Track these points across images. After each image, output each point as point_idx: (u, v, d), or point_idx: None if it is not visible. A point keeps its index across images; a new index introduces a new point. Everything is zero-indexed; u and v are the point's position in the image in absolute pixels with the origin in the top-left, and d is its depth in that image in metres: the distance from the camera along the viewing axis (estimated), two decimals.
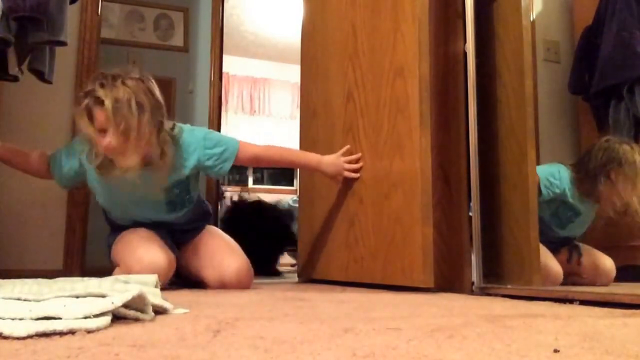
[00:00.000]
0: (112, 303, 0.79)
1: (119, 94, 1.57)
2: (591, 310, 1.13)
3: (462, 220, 1.65)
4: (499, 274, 1.67)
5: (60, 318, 0.73)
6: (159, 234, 1.82)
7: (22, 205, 1.83)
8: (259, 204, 3.46)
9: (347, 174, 1.93)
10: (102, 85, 1.60)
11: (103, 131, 1.60)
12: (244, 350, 0.63)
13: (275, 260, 3.32)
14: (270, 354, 0.60)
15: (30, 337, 0.68)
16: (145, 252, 1.69)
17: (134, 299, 0.84)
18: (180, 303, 1.12)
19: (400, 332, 0.77)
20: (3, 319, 0.72)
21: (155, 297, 0.99)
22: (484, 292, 1.55)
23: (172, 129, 1.75)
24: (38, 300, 0.81)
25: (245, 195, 4.09)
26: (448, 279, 1.65)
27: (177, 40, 3.63)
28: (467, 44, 1.68)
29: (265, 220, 3.26)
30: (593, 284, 1.90)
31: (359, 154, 1.93)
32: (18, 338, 0.67)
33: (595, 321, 0.92)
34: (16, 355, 0.58)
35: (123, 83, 1.60)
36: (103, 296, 0.83)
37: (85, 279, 1.24)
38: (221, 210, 3.69)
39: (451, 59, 1.73)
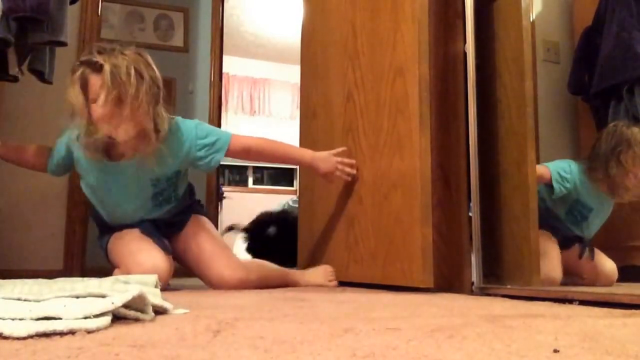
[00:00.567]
0: (112, 303, 0.80)
1: (118, 61, 1.54)
2: (591, 310, 1.13)
3: (462, 220, 1.65)
4: (499, 274, 1.67)
5: (60, 318, 0.74)
6: (149, 232, 1.77)
7: (22, 205, 1.83)
8: (285, 214, 3.48)
9: (339, 173, 1.90)
10: (100, 52, 1.56)
11: (96, 101, 1.55)
12: (244, 350, 0.63)
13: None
14: (270, 354, 0.60)
15: (30, 337, 0.68)
16: (147, 255, 1.67)
17: (134, 299, 0.84)
18: (180, 303, 1.12)
19: (400, 332, 0.77)
20: (3, 319, 0.72)
21: (155, 297, 0.99)
22: (483, 292, 1.55)
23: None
24: (38, 301, 0.81)
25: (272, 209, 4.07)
26: (448, 279, 1.65)
27: (177, 40, 3.63)
28: (467, 44, 1.68)
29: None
30: (593, 285, 1.90)
31: (354, 161, 1.92)
32: (18, 338, 0.67)
33: (595, 321, 0.92)
34: (16, 355, 0.58)
35: (122, 53, 1.57)
36: (103, 296, 0.83)
37: (86, 279, 1.24)
38: (221, 211, 3.70)
39: (451, 59, 1.73)
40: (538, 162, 1.83)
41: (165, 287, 1.67)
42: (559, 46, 2.26)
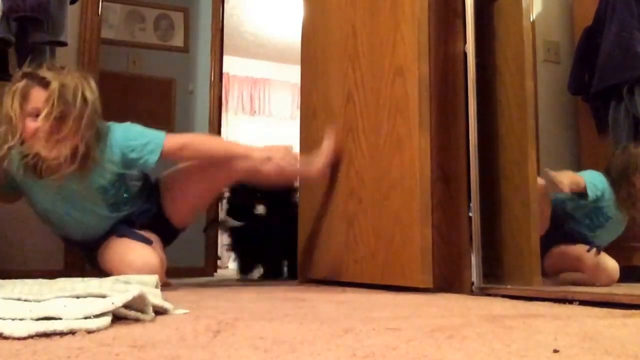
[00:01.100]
0: (113, 303, 0.80)
1: (67, 81, 1.54)
2: (591, 310, 1.13)
3: (462, 220, 1.65)
4: (499, 274, 1.67)
5: (60, 318, 0.74)
6: (125, 233, 1.77)
7: (22, 205, 1.83)
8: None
9: (279, 160, 1.84)
10: (49, 69, 1.57)
11: (34, 115, 1.53)
12: (244, 350, 0.63)
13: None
14: (270, 354, 0.60)
15: (30, 337, 0.68)
16: (135, 254, 1.68)
17: (134, 299, 0.84)
18: (180, 303, 1.12)
19: (400, 332, 0.77)
20: (3, 320, 0.73)
21: (155, 297, 0.99)
22: (483, 292, 1.55)
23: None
24: (38, 301, 0.81)
25: None
26: (448, 279, 1.65)
27: (177, 40, 3.63)
28: (467, 44, 1.68)
29: None
30: (593, 284, 1.90)
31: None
32: (18, 338, 0.67)
33: (595, 321, 0.92)
34: (16, 355, 0.59)
35: (70, 74, 1.58)
36: (103, 296, 0.83)
37: (86, 279, 1.24)
38: (221, 211, 3.64)
39: (451, 59, 1.73)
40: (538, 163, 1.83)
41: (165, 282, 1.67)
42: (559, 46, 2.26)
